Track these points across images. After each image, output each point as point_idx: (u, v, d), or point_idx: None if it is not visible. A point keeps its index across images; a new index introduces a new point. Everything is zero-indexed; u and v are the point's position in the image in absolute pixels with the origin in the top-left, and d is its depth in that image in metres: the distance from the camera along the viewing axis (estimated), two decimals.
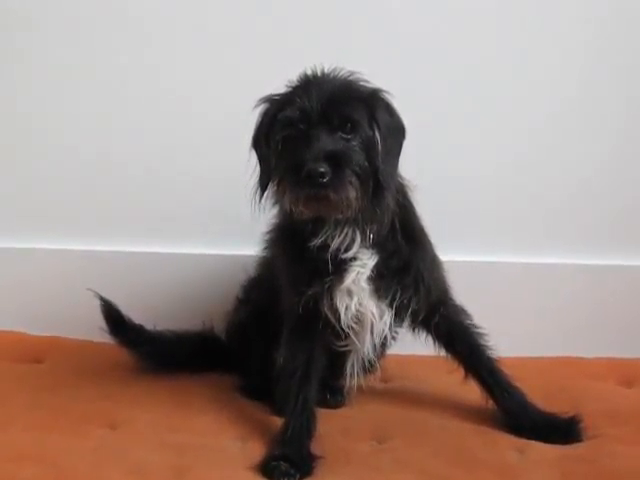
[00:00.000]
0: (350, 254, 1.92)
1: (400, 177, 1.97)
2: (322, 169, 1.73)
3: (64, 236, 2.59)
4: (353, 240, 1.91)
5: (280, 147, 1.85)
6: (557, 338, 2.51)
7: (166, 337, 2.37)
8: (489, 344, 2.10)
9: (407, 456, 1.92)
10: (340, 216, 1.85)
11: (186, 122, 2.53)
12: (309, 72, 1.89)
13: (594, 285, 2.52)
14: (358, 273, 1.94)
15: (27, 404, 2.16)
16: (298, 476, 1.84)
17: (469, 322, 2.11)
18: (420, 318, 2.07)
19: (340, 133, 1.81)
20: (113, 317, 2.34)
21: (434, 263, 2.05)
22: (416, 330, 2.12)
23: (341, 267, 1.93)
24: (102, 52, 2.52)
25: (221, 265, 2.53)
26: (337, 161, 1.76)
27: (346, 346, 2.05)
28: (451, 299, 2.11)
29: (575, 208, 2.54)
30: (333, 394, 2.19)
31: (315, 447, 1.94)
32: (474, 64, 2.46)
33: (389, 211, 1.90)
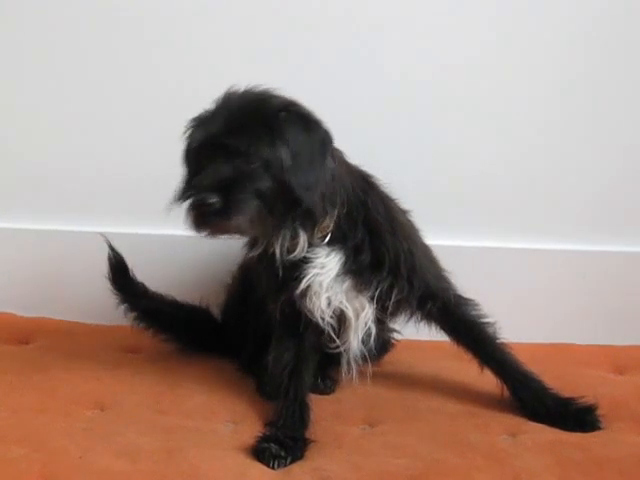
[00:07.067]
0: (299, 256, 1.92)
1: (362, 175, 1.99)
2: (210, 199, 1.73)
3: (53, 216, 2.57)
4: (296, 243, 1.90)
5: (185, 169, 1.89)
6: (549, 324, 2.51)
7: (166, 299, 2.37)
8: (497, 333, 2.07)
9: (398, 440, 1.92)
10: (247, 235, 1.89)
11: (182, 104, 2.48)
12: (228, 92, 1.87)
13: (586, 271, 2.51)
14: (315, 275, 1.93)
15: (15, 385, 2.13)
16: (289, 459, 1.83)
17: (473, 313, 2.08)
18: (414, 309, 2.05)
19: (237, 158, 1.79)
20: (119, 269, 2.32)
21: (414, 253, 2.01)
22: (423, 323, 2.09)
23: (300, 270, 1.93)
24: (96, 36, 2.49)
25: (217, 245, 2.49)
26: (229, 188, 1.76)
27: (337, 348, 2.05)
28: (451, 290, 2.07)
29: (569, 195, 2.53)
30: (324, 380, 2.18)
31: (306, 431, 1.93)
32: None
33: (329, 211, 1.89)
